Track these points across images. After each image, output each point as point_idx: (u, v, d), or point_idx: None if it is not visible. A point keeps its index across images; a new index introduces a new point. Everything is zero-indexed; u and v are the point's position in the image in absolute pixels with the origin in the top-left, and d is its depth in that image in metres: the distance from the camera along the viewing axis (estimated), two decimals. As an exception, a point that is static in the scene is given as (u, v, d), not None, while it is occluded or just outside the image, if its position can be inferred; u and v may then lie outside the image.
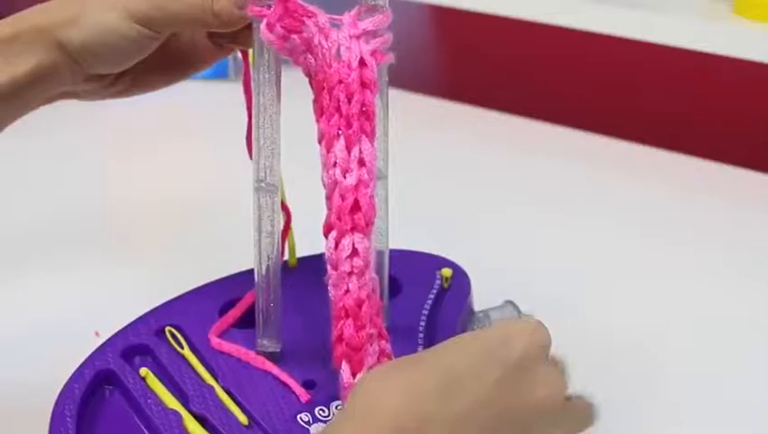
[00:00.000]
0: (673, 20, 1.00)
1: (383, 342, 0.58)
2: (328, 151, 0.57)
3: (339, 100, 0.57)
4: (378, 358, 0.58)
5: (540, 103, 1.20)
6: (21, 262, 0.88)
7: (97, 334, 0.73)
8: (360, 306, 0.56)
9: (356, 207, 0.57)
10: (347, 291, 0.57)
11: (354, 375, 0.57)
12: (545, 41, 1.21)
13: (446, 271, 0.73)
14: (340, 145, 0.57)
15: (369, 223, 0.57)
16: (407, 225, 0.71)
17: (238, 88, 0.66)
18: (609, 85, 1.21)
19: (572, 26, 1.05)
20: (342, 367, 0.57)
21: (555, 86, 1.24)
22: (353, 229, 0.56)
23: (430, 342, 0.67)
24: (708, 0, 1.03)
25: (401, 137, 0.68)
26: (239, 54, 0.65)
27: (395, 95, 0.63)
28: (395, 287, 0.70)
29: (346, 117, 0.57)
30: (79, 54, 0.60)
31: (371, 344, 0.57)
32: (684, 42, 1.00)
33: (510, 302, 0.74)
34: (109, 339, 0.66)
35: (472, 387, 0.50)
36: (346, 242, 0.56)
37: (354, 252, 0.57)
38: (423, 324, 0.68)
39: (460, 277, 0.73)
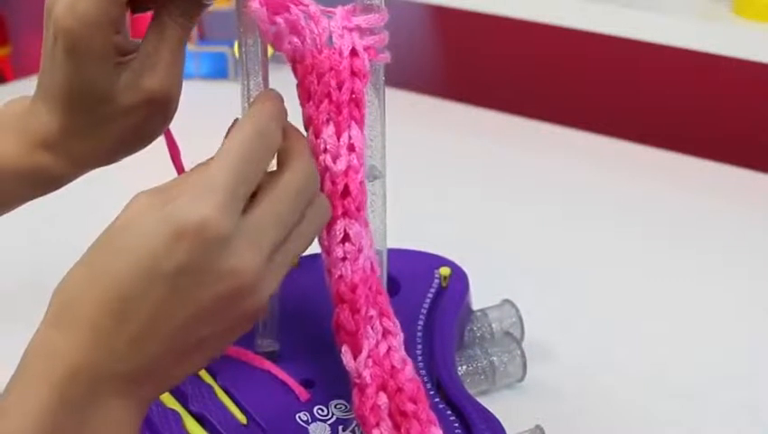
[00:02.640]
0: (673, 20, 1.00)
1: (385, 319, 0.58)
2: (317, 137, 0.56)
3: (329, 86, 0.56)
4: (382, 336, 0.58)
5: (540, 103, 1.20)
6: (21, 260, 0.88)
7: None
8: (353, 290, 0.56)
9: (346, 192, 0.56)
10: (341, 276, 0.57)
11: (355, 358, 0.57)
12: (545, 41, 1.21)
13: (445, 270, 0.72)
14: (329, 130, 0.56)
15: (359, 208, 0.57)
16: (405, 224, 0.71)
17: (237, 87, 0.65)
18: (609, 85, 1.21)
19: (572, 26, 1.05)
20: (343, 351, 0.57)
21: (555, 86, 1.24)
22: (344, 214, 0.56)
23: (429, 341, 0.67)
24: (708, 0, 1.03)
25: (401, 137, 0.68)
26: (236, 53, 0.64)
27: (395, 94, 0.63)
28: (393, 286, 0.70)
29: (336, 103, 0.56)
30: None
31: (372, 327, 0.57)
32: (684, 42, 1.00)
33: (508, 301, 0.74)
34: (108, 338, 0.66)
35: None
36: (338, 228, 0.56)
37: (346, 237, 0.56)
38: (421, 323, 0.68)
39: (458, 276, 0.73)
